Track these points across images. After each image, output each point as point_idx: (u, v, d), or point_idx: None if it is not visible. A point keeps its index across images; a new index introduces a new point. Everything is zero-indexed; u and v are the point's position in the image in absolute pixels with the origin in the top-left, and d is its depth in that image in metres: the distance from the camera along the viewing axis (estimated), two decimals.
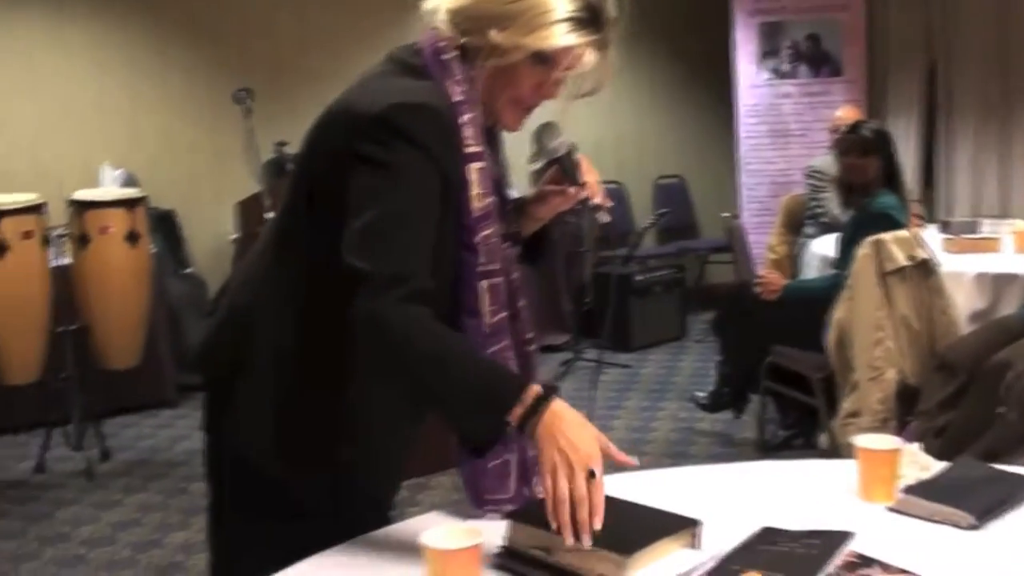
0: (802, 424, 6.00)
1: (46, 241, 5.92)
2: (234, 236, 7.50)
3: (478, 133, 2.09)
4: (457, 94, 2.07)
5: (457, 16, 2.08)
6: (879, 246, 4.98)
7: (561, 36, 2.05)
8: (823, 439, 5.56)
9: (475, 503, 2.19)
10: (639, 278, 8.37)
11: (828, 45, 9.06)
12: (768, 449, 5.94)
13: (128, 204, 6.06)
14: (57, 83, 7.64)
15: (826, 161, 6.77)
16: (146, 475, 5.99)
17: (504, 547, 1.98)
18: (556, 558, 1.90)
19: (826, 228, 6.51)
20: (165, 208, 7.69)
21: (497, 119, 2.18)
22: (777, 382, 5.70)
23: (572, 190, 2.27)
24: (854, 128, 5.68)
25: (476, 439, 2.02)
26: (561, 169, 2.29)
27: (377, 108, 1.99)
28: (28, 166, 7.42)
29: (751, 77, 9.14)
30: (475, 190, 2.08)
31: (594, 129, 9.34)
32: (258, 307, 2.16)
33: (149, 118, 7.92)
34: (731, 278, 8.05)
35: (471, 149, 2.07)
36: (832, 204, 6.45)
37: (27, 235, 5.79)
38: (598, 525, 1.86)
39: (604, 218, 2.32)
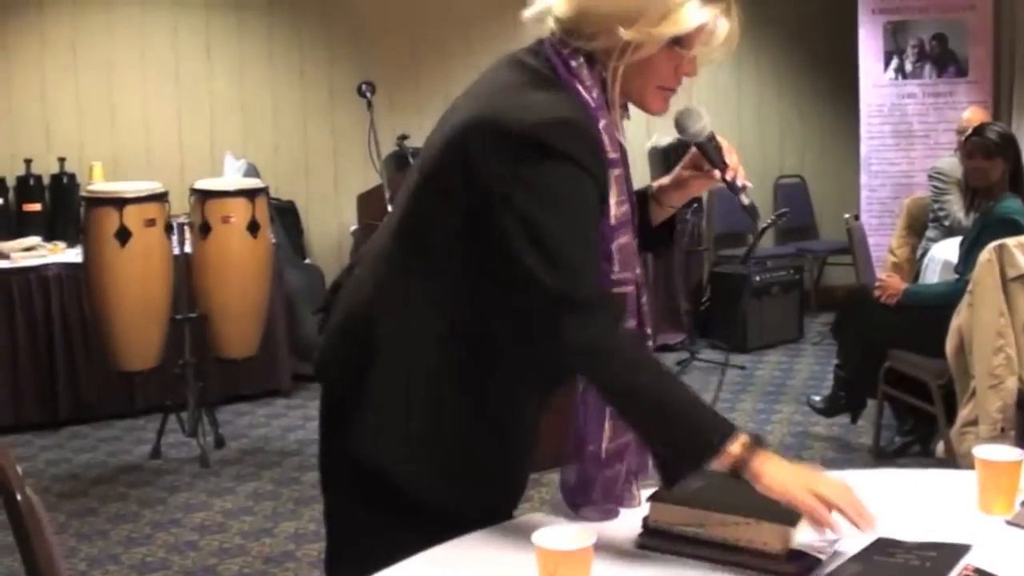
0: (919, 431, 5.89)
1: (169, 229, 6.02)
2: (353, 228, 7.57)
3: (613, 139, 2.09)
4: (592, 102, 2.06)
5: (578, 22, 2.06)
6: (1002, 251, 4.86)
7: (693, 15, 2.05)
8: (940, 447, 5.45)
9: (573, 504, 2.18)
10: (757, 278, 8.26)
11: (954, 45, 8.87)
12: (884, 455, 5.84)
13: (250, 194, 6.14)
14: (193, 76, 7.76)
15: (950, 163, 6.62)
16: (259, 463, 6.06)
17: (650, 527, 2.00)
18: (711, 533, 1.94)
19: (948, 231, 6.37)
20: (286, 199, 7.78)
21: (643, 106, 2.18)
22: (895, 387, 5.60)
23: (717, 173, 2.24)
24: (980, 130, 5.56)
25: (674, 476, 1.98)
26: (703, 153, 2.27)
27: (527, 125, 1.97)
28: (152, 154, 7.55)
29: (875, 76, 8.98)
30: (614, 198, 2.07)
31: (716, 126, 9.22)
32: (385, 321, 2.12)
33: (273, 109, 8.00)
34: (850, 280, 7.92)
35: (610, 156, 2.07)
36: (955, 207, 6.31)
37: (150, 223, 5.90)
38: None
39: (746, 199, 2.28)
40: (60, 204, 7.19)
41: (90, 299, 6.12)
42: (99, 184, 6.65)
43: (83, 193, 6.25)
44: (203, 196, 6.07)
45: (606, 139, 2.06)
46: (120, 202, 5.84)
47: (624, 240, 2.10)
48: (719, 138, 2.28)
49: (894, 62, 8.95)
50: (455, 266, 2.07)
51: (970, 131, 5.73)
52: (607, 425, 2.12)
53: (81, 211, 6.14)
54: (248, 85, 7.89)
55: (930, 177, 6.76)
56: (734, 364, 7.81)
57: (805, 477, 1.91)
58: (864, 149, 9.01)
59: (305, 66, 8.04)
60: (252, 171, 7.33)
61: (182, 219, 6.15)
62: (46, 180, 7.21)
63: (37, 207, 7.16)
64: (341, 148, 7.97)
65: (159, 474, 5.92)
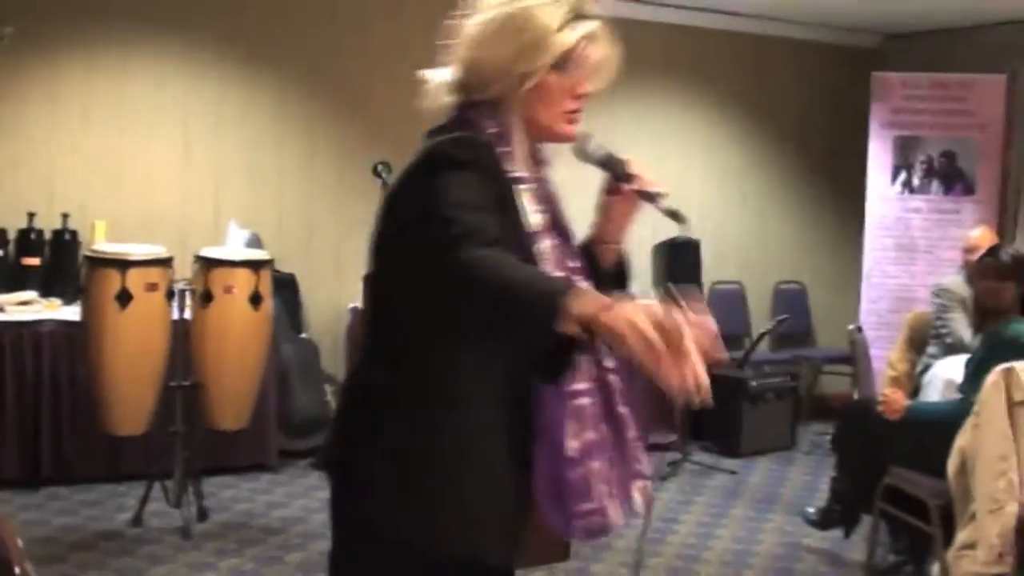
0: (914, 550, 5.80)
1: (170, 295, 5.97)
2: (352, 305, 7.53)
3: (522, 160, 2.33)
4: (490, 128, 2.33)
5: (470, 79, 2.37)
6: (1009, 375, 4.82)
7: (565, 37, 2.32)
8: (936, 569, 5.37)
9: (562, 524, 2.31)
10: (753, 383, 8.21)
11: (963, 163, 8.92)
12: (877, 573, 5.76)
13: (255, 266, 6.09)
14: (202, 143, 7.72)
15: (955, 281, 6.62)
16: (242, 540, 5.95)
17: None
18: None
19: (950, 349, 6.35)
20: (286, 271, 7.73)
21: (553, 136, 2.41)
22: (892, 504, 5.53)
23: (626, 187, 2.46)
24: (993, 252, 5.55)
25: (539, 337, 2.02)
26: (607, 170, 2.49)
27: (426, 152, 2.27)
28: (156, 216, 7.50)
29: (882, 189, 9.02)
30: (530, 207, 2.29)
31: (719, 227, 9.28)
32: (376, 385, 2.34)
33: (279, 182, 7.97)
34: (845, 390, 7.89)
35: (516, 174, 2.30)
36: (958, 325, 6.30)
37: (152, 287, 5.84)
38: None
39: (664, 204, 2.46)
40: (60, 260, 7.12)
41: (85, 359, 6.04)
42: (104, 244, 6.60)
43: (86, 252, 6.18)
44: (207, 264, 6.02)
45: (510, 159, 2.31)
46: (124, 264, 5.78)
47: (547, 243, 2.30)
48: (626, 156, 2.49)
49: (902, 176, 9.00)
50: (418, 312, 2.27)
51: (983, 252, 5.72)
52: (567, 424, 2.28)
53: (82, 270, 6.08)
54: (256, 156, 7.85)
55: (934, 294, 6.75)
56: (725, 468, 7.75)
57: (651, 311, 1.90)
58: (867, 260, 9.02)
59: (315, 143, 8.01)
60: (255, 241, 7.30)
61: (182, 285, 6.09)
62: (48, 235, 7.15)
63: (36, 261, 7.10)
64: (349, 225, 7.91)
65: (140, 543, 5.80)
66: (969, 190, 8.92)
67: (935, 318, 6.69)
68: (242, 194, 7.84)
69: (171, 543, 5.82)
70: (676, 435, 8.02)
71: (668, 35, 9.02)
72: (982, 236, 6.91)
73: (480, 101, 2.35)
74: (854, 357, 6.87)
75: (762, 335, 8.35)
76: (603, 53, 2.39)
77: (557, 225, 2.39)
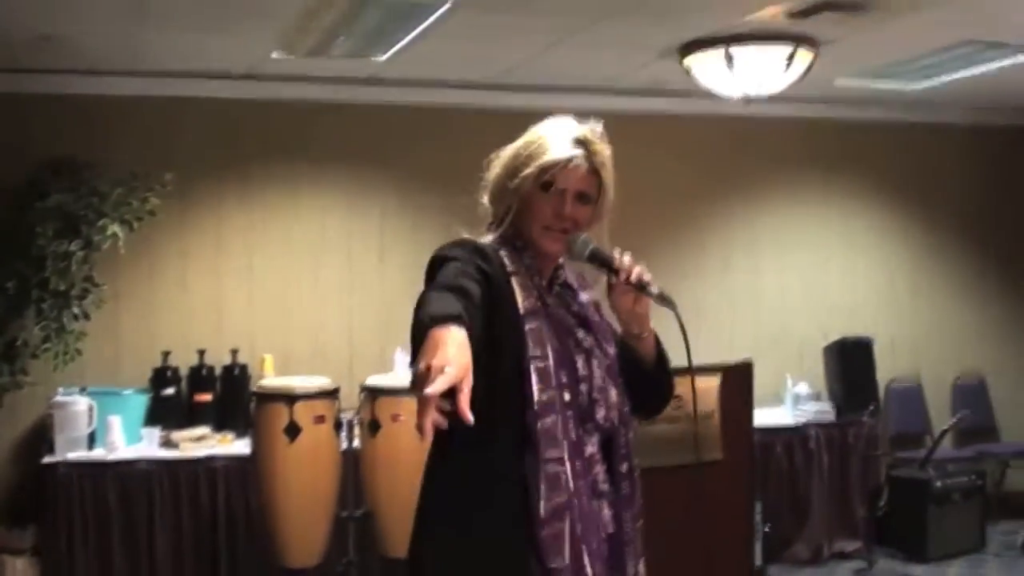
0: None
1: (338, 425, 5.99)
2: None
3: (522, 266, 2.65)
4: (491, 238, 2.69)
5: (490, 194, 2.75)
6: None
7: (550, 154, 2.64)
8: None
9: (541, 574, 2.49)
10: (938, 483, 7.88)
11: None
12: None
13: None
14: (369, 275, 7.81)
15: None
16: None
17: None
18: None
19: None
20: None
21: (541, 247, 2.68)
22: None
23: (613, 279, 2.68)
24: None
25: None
26: (600, 268, 2.70)
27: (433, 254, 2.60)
28: (323, 348, 7.58)
29: None
30: (520, 294, 2.60)
31: (892, 327, 9.04)
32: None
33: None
34: None
35: (509, 268, 2.62)
36: None
37: (320, 419, 5.89)
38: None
39: (655, 290, 2.66)
40: (231, 395, 7.23)
41: (257, 493, 6.10)
42: (270, 379, 6.68)
43: (254, 388, 6.26)
44: (373, 393, 6.03)
45: (511, 259, 2.63)
46: (291, 398, 5.84)
47: (534, 325, 2.57)
48: (613, 250, 2.69)
49: None
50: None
51: None
52: (541, 486, 2.50)
53: (251, 404, 6.15)
54: (419, 285, 7.86)
55: None
56: (914, 575, 7.44)
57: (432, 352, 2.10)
58: None
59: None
60: None
61: (350, 415, 6.11)
62: (218, 371, 7.28)
63: (208, 397, 7.22)
64: None
65: None
66: None
67: None
68: (408, 322, 7.83)
69: None
70: (860, 542, 7.75)
71: (812, 131, 8.90)
72: None
73: (494, 221, 2.73)
74: None
75: (943, 433, 8.06)
76: (583, 181, 2.66)
77: (583, 322, 2.72)
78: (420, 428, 2.03)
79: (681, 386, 5.30)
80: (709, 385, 5.47)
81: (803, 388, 8.06)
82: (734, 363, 5.64)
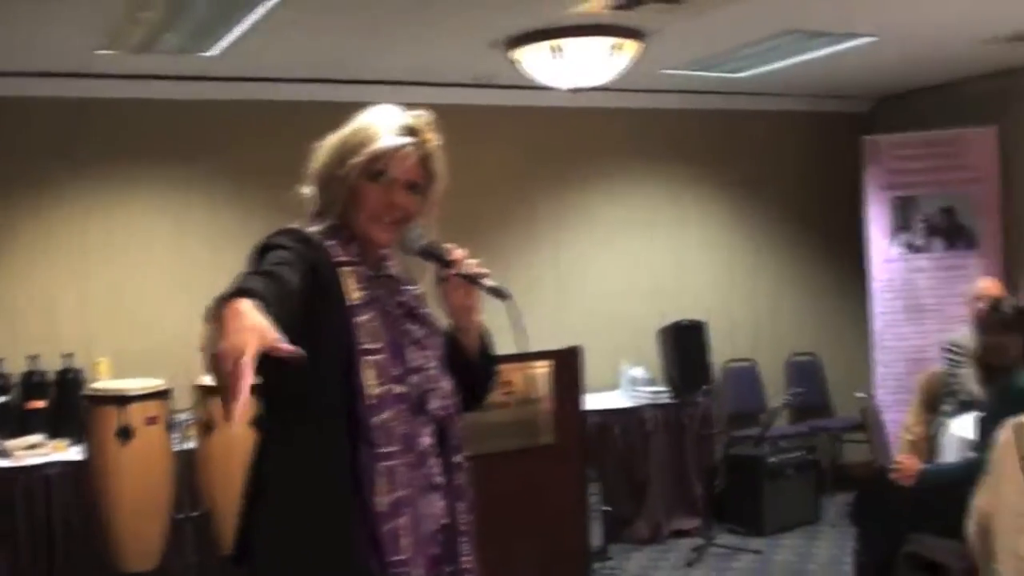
0: None
1: (171, 426, 5.94)
2: None
3: (348, 253, 2.60)
4: (318, 227, 2.60)
5: (317, 184, 2.67)
6: (1021, 429, 4.74)
7: (380, 142, 2.60)
8: None
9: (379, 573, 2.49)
10: (771, 459, 8.11)
11: (963, 218, 8.88)
12: None
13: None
14: (201, 272, 7.71)
15: (964, 335, 6.55)
16: None
17: None
18: None
19: (964, 406, 6.25)
20: None
21: (370, 240, 2.64)
22: (916, 573, 5.42)
23: (445, 271, 2.69)
24: (995, 306, 5.49)
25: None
26: (429, 259, 2.70)
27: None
28: (159, 348, 7.49)
29: (884, 252, 8.99)
30: (353, 285, 2.56)
31: (732, 309, 9.26)
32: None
33: None
34: (867, 458, 7.79)
35: (341, 259, 2.57)
36: (970, 380, 6.21)
37: (152, 420, 5.86)
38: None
39: (488, 283, 2.67)
40: (65, 401, 7.08)
41: (91, 497, 6.01)
42: (101, 382, 6.59)
43: (85, 392, 6.18)
44: (206, 392, 6.00)
45: (339, 250, 2.58)
46: (122, 400, 5.78)
47: (365, 317, 2.54)
48: (445, 245, 2.68)
49: (903, 236, 8.96)
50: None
51: (986, 307, 5.66)
52: (377, 480, 2.48)
53: (83, 409, 6.07)
54: None
55: (944, 350, 6.69)
56: (751, 549, 7.63)
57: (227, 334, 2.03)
58: (876, 324, 8.96)
59: None
60: None
61: (185, 415, 6.07)
62: (51, 376, 7.14)
63: (42, 404, 7.07)
64: None
65: None
66: (972, 244, 8.86)
67: (947, 375, 6.62)
68: None
69: None
70: (699, 519, 7.92)
71: (642, 120, 9.06)
72: (987, 287, 6.87)
73: (320, 211, 2.65)
74: (866, 426, 6.79)
75: (776, 410, 8.28)
76: (413, 170, 2.64)
77: (409, 313, 2.68)
78: (228, 414, 2.00)
79: (512, 373, 5.42)
80: (540, 371, 5.56)
81: (639, 371, 8.20)
82: (564, 348, 5.73)
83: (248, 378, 1.98)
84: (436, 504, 2.63)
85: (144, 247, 7.65)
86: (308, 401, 2.51)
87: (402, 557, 2.51)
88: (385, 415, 2.52)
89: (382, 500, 2.49)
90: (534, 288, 8.49)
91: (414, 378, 2.61)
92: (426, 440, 2.61)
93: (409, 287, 2.75)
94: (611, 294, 8.90)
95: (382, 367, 2.53)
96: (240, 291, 2.13)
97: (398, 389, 2.56)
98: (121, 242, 7.60)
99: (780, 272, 9.70)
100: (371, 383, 2.50)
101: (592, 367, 6.51)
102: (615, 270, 8.99)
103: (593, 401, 7.17)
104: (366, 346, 2.52)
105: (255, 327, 2.03)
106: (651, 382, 8.18)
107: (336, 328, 2.50)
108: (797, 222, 9.70)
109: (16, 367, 7.09)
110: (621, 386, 8.23)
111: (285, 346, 2.04)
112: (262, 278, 2.26)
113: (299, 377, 2.26)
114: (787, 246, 9.70)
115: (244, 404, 1.98)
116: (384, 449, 2.51)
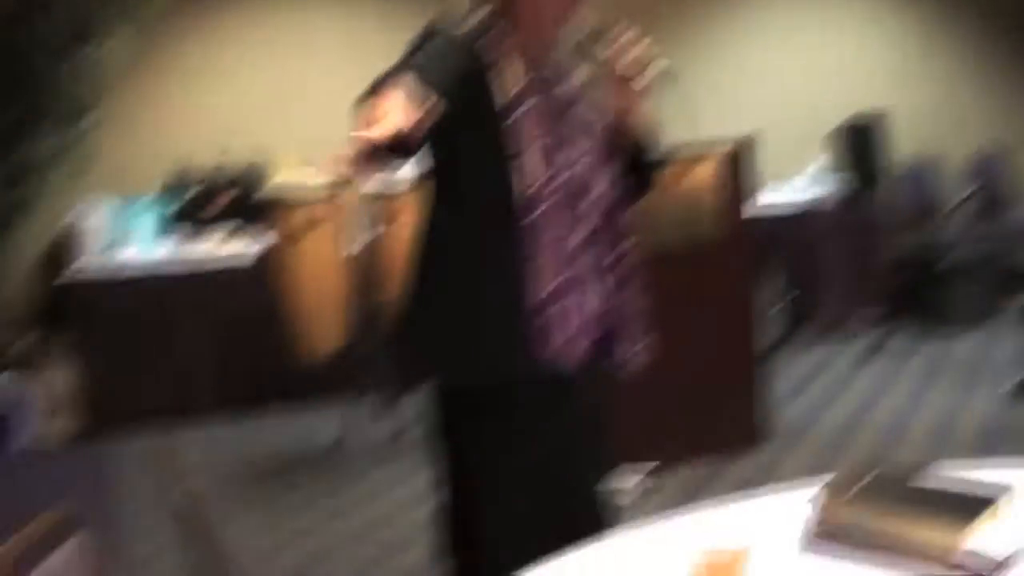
0: None
1: (350, 218, 6.02)
2: None
3: (508, 48, 2.59)
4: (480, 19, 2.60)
5: None
6: None
7: None
8: None
9: (542, 349, 2.55)
10: (952, 256, 7.92)
11: None
12: None
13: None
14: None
15: None
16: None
17: (815, 528, 1.98)
18: (880, 532, 1.89)
19: None
20: None
21: (533, 30, 2.61)
22: None
23: (607, 65, 2.64)
24: None
25: None
26: (586, 57, 2.67)
27: None
28: (338, 141, 7.54)
29: None
30: (511, 80, 2.56)
31: (907, 96, 8.94)
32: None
33: None
34: None
35: (492, 56, 2.56)
36: None
37: (329, 214, 5.92)
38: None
39: (653, 71, 2.62)
40: (246, 198, 7.26)
41: (273, 289, 6.18)
42: (280, 180, 6.73)
43: (264, 192, 6.32)
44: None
45: (495, 44, 2.57)
46: (299, 197, 5.90)
47: (522, 111, 2.55)
48: (614, 28, 2.63)
49: None
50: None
51: None
52: (541, 264, 2.55)
53: (264, 206, 6.22)
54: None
55: None
56: (929, 345, 7.52)
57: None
58: None
59: None
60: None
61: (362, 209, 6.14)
62: (234, 173, 7.29)
63: (225, 200, 7.23)
64: None
65: (338, 462, 5.94)
66: None
67: None
68: None
69: (369, 460, 5.92)
70: (876, 315, 7.83)
71: None
72: None
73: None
74: None
75: (957, 206, 8.05)
76: None
77: (568, 105, 2.66)
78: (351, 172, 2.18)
79: (679, 166, 5.33)
80: (709, 163, 5.45)
81: (815, 165, 8.04)
82: (735, 140, 5.59)
83: (368, 166, 2.16)
84: (601, 289, 2.66)
85: (332, 46, 7.76)
86: (467, 196, 2.60)
87: (562, 340, 2.57)
88: (544, 206, 2.55)
89: (544, 286, 2.56)
90: (712, 77, 8.36)
91: (576, 168, 2.63)
92: (586, 229, 2.64)
93: (570, 78, 2.72)
94: (791, 87, 8.70)
95: (540, 159, 2.56)
96: (386, 77, 2.26)
97: (558, 179, 2.58)
98: (307, 41, 7.73)
99: (963, 56, 9.30)
100: (529, 174, 2.54)
101: (769, 161, 6.40)
102: (794, 61, 8.77)
103: (770, 195, 7.08)
104: (523, 140, 2.55)
105: (393, 112, 2.12)
106: (827, 177, 8.00)
107: (488, 126, 2.55)
108: (988, 7, 9.26)
109: (201, 166, 7.26)
110: (798, 180, 8.08)
111: (424, 116, 2.14)
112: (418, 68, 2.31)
113: (452, 151, 2.52)
114: (971, 29, 9.28)
115: (362, 178, 2.14)
116: (547, 236, 2.56)
